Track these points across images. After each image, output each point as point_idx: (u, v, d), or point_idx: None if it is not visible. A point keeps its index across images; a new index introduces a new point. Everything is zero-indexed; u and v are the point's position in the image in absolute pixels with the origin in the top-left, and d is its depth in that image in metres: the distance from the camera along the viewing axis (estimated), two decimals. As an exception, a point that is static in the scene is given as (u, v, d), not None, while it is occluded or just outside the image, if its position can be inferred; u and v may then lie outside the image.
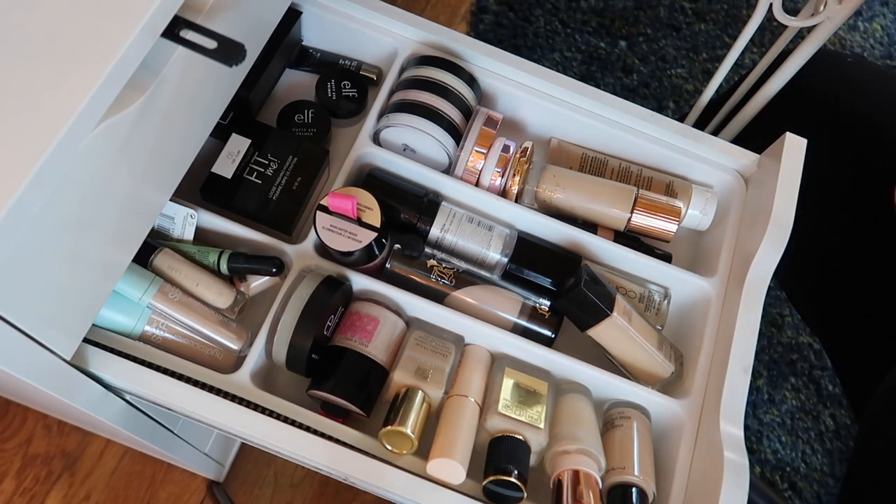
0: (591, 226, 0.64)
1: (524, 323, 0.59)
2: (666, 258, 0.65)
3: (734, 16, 1.39)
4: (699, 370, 0.59)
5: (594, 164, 0.68)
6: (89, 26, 0.36)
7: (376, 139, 0.64)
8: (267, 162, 0.61)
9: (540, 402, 0.55)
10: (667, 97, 1.32)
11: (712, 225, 0.67)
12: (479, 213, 0.63)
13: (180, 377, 0.52)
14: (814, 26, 0.72)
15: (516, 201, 0.64)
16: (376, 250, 0.57)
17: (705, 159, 0.68)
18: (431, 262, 0.60)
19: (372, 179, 0.62)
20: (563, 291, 0.58)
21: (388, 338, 0.57)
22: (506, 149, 0.63)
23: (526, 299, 0.60)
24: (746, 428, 0.54)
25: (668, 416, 0.58)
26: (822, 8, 0.71)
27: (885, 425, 0.58)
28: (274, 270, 0.57)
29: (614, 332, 0.58)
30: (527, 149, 0.63)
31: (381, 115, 0.64)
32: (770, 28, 1.37)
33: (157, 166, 0.48)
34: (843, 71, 0.81)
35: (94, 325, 0.52)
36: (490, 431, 0.54)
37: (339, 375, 0.54)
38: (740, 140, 0.85)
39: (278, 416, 0.53)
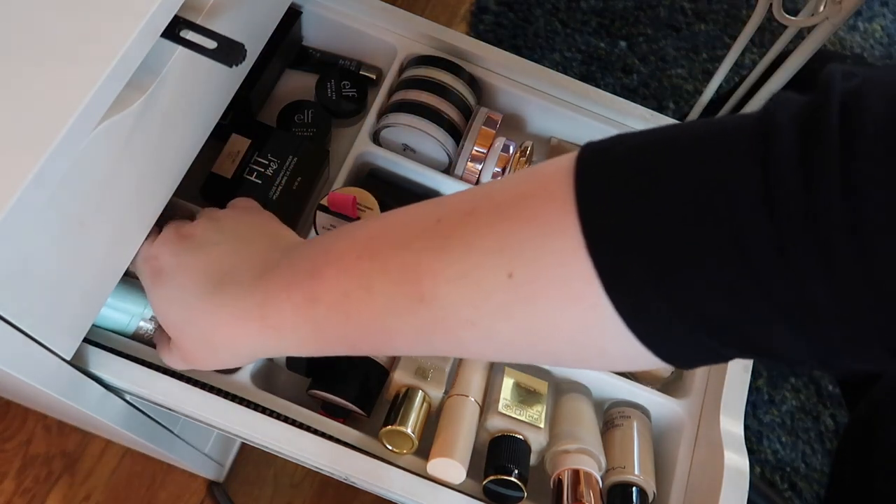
0: (591, 226, 0.64)
1: (524, 323, 0.59)
2: (666, 258, 0.65)
3: (734, 16, 1.39)
4: (699, 370, 0.59)
5: (594, 164, 0.68)
6: (89, 26, 0.36)
7: (376, 139, 0.64)
8: (267, 162, 0.61)
9: (540, 402, 0.55)
10: (667, 97, 1.32)
11: (712, 225, 0.67)
12: (479, 213, 0.63)
13: (181, 377, 0.52)
14: (814, 26, 0.73)
15: (516, 201, 0.64)
16: (376, 250, 0.57)
17: (705, 159, 0.68)
18: (431, 262, 0.59)
19: (372, 179, 0.62)
20: (563, 291, 0.58)
21: (388, 338, 0.57)
22: (506, 148, 0.63)
23: (526, 299, 0.60)
24: (746, 428, 0.54)
25: (668, 416, 0.58)
26: (821, 8, 0.71)
27: (878, 427, 0.58)
28: None
29: (614, 331, 0.58)
30: (527, 149, 0.63)
31: (380, 115, 0.64)
32: (770, 28, 1.37)
33: (157, 166, 0.48)
34: (843, 71, 0.81)
35: (94, 325, 0.52)
36: (490, 431, 0.54)
37: (339, 375, 0.54)
38: (740, 140, 0.85)
39: (278, 416, 0.53)
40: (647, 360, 0.32)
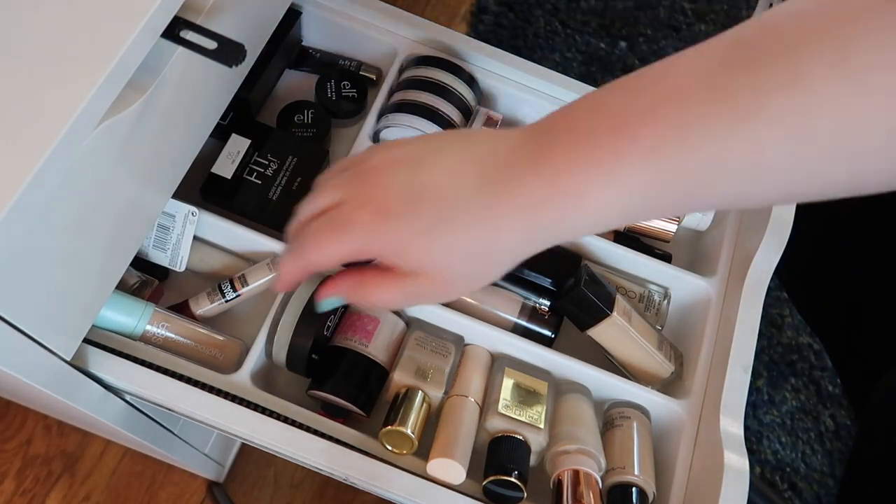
0: (590, 226, 0.64)
1: (524, 323, 0.59)
2: (666, 258, 0.65)
3: (734, 16, 1.39)
4: (699, 370, 0.59)
5: (594, 165, 0.68)
6: (89, 26, 0.37)
7: (376, 139, 0.64)
8: (267, 162, 0.61)
9: (540, 402, 0.55)
10: (667, 97, 1.32)
11: (712, 225, 0.67)
12: (479, 213, 0.63)
13: (180, 377, 0.52)
14: (813, 26, 0.73)
15: (516, 201, 0.64)
16: (376, 250, 0.57)
17: (705, 159, 0.68)
18: (431, 262, 0.59)
19: (372, 180, 0.62)
20: (562, 291, 0.58)
21: (388, 338, 0.57)
22: (506, 149, 0.63)
23: (526, 299, 0.60)
24: (746, 428, 0.54)
25: (668, 416, 0.58)
26: (821, 8, 0.71)
27: (882, 425, 0.58)
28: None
29: (614, 332, 0.58)
30: (527, 149, 0.63)
31: (380, 116, 0.64)
32: (770, 28, 1.37)
33: (157, 166, 0.48)
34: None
35: (95, 325, 0.52)
36: (490, 431, 0.54)
37: (339, 375, 0.54)
38: (740, 140, 0.85)
39: (278, 416, 0.53)
40: None
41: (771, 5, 0.73)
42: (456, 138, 0.40)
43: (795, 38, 0.32)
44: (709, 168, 0.34)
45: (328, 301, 0.43)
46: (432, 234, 0.37)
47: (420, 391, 0.54)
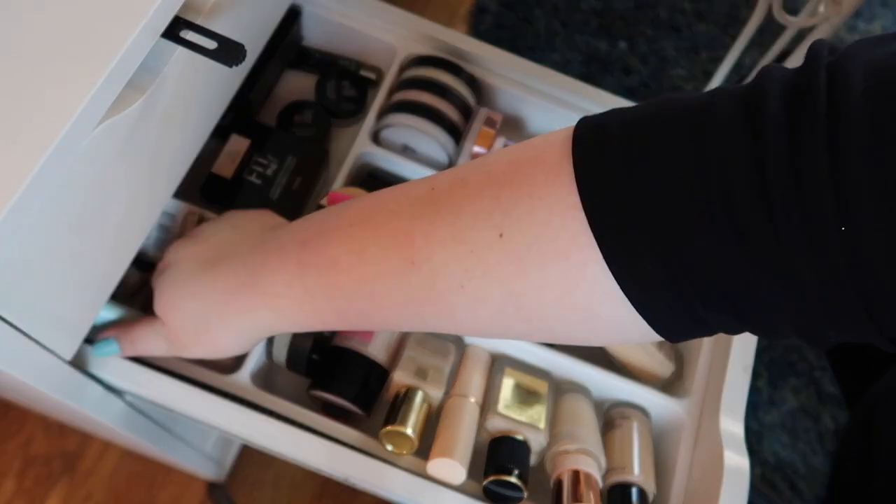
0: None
1: (524, 323, 0.59)
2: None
3: (734, 16, 1.39)
4: (699, 370, 0.59)
5: (594, 165, 0.68)
6: (89, 26, 0.36)
7: (376, 139, 0.64)
8: (267, 162, 0.61)
9: (540, 402, 0.55)
10: (667, 97, 1.32)
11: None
12: (479, 213, 0.63)
13: (180, 377, 0.52)
14: (813, 27, 0.73)
15: (516, 201, 0.64)
16: (376, 250, 0.57)
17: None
18: (431, 262, 0.59)
19: (372, 179, 0.62)
20: (563, 291, 0.58)
21: (388, 338, 0.57)
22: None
23: (526, 299, 0.60)
24: (747, 429, 0.54)
25: (668, 416, 0.58)
26: (821, 8, 0.71)
27: (883, 425, 0.58)
28: None
29: (614, 332, 0.58)
30: (527, 149, 0.63)
31: (380, 116, 0.64)
32: (770, 28, 1.37)
33: (157, 166, 0.48)
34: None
35: (95, 325, 0.52)
36: (490, 431, 0.54)
37: (339, 375, 0.54)
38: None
39: (278, 416, 0.53)
40: (638, 328, 0.32)
41: (771, 6, 0.73)
42: (241, 231, 0.49)
43: (464, 203, 0.35)
44: (385, 304, 0.39)
45: (100, 346, 0.50)
46: (170, 290, 0.47)
47: (420, 391, 0.54)
